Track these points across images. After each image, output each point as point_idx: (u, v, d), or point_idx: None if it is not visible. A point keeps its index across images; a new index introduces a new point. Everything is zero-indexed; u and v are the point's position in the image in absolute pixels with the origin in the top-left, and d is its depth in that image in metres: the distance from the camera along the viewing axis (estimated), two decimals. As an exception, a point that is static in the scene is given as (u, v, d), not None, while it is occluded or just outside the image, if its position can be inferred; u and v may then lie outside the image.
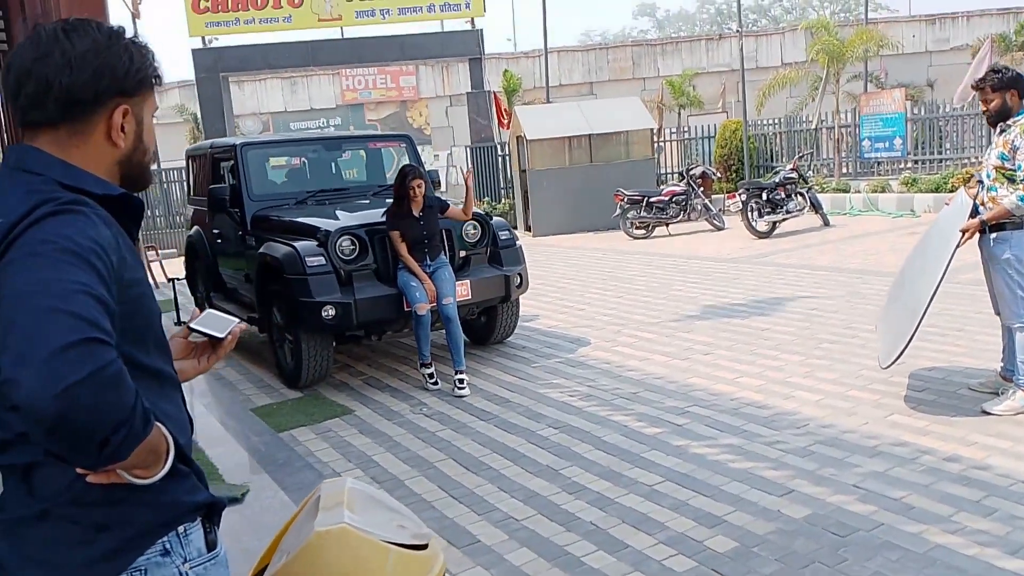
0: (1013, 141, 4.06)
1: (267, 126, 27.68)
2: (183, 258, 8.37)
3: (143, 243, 14.08)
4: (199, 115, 18.57)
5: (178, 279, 8.82)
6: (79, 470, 1.17)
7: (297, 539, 1.91)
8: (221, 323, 1.57)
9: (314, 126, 26.87)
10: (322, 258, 5.45)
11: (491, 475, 4.02)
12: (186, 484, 1.31)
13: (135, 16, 18.65)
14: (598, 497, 3.67)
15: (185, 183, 8.80)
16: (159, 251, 13.23)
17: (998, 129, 4.21)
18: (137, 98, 1.31)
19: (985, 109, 4.22)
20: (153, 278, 12.16)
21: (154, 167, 17.90)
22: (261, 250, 5.90)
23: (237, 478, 3.67)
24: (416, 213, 5.45)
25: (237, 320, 1.61)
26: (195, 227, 7.85)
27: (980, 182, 4.32)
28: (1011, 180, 4.07)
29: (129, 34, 1.31)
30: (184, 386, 1.49)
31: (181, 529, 1.30)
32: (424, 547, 1.94)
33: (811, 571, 2.93)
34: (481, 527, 3.48)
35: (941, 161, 14.28)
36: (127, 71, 1.27)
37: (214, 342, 1.54)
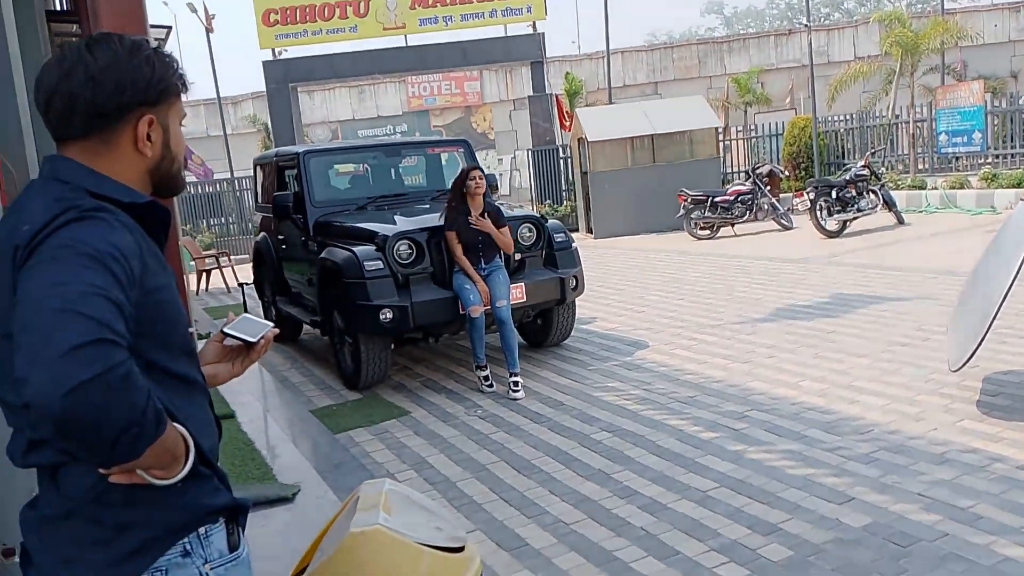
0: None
1: (336, 134, 28.34)
2: (251, 264, 8.63)
3: (217, 249, 14.60)
4: (270, 124, 19.15)
5: (247, 284, 9.10)
6: (101, 470, 1.21)
7: (335, 540, 1.95)
8: (254, 327, 1.60)
9: (381, 133, 27.38)
10: (380, 262, 5.54)
11: (542, 478, 4.01)
12: (207, 487, 1.34)
13: (209, 30, 19.38)
14: (649, 502, 3.62)
15: (253, 191, 9.07)
16: (231, 257, 13.67)
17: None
18: (162, 107, 1.35)
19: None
20: (225, 283, 12.59)
21: (226, 175, 18.49)
22: (322, 255, 6.04)
23: (290, 478, 3.76)
24: (475, 215, 5.49)
25: (270, 324, 1.64)
26: (262, 233, 8.09)
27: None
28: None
29: (152, 45, 1.36)
30: (250, 388, 1.52)
31: (202, 531, 1.32)
32: (460, 549, 1.95)
33: (869, 582, 2.82)
34: (530, 530, 3.48)
35: (1025, 155, 13.59)
36: (148, 81, 1.31)
37: (247, 346, 1.57)
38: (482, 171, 5.70)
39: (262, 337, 1.57)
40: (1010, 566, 2.81)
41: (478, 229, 5.47)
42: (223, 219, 18.42)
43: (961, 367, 4.15)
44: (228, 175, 18.52)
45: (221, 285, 12.70)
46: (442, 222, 5.64)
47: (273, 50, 17.65)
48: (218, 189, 18.45)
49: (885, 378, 4.98)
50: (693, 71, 27.79)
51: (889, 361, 5.30)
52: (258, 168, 8.47)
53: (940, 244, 9.94)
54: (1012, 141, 13.87)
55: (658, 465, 4.02)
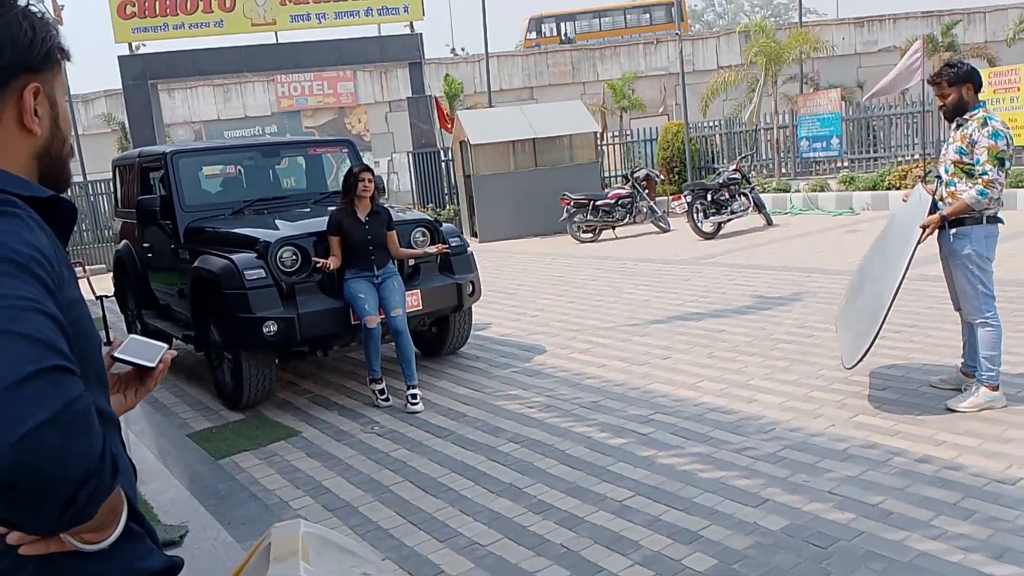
0: (971, 135, 4.02)
1: (199, 135, 26.86)
2: (111, 274, 7.89)
3: (71, 259, 13.37)
4: (127, 124, 17.83)
5: (107, 296, 8.32)
6: (9, 539, 0.92)
7: (248, 599, 1.66)
8: (149, 350, 1.34)
9: (249, 134, 26.16)
10: (262, 271, 5.13)
11: (451, 497, 3.78)
12: (140, 547, 1.08)
13: (57, 22, 17.81)
14: (567, 516, 3.47)
15: (113, 195, 8.30)
16: (86, 267, 12.56)
17: (955, 124, 4.17)
18: (47, 75, 1.10)
19: (942, 104, 4.18)
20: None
21: (80, 179, 17.03)
22: (195, 264, 5.55)
23: (174, 516, 3.34)
24: (363, 217, 5.19)
25: (166, 346, 1.37)
26: (124, 241, 7.40)
27: (938, 177, 4.28)
28: (970, 175, 4.04)
29: (21, 1, 1.08)
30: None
31: None
32: (392, 597, 1.72)
33: (795, 587, 2.79)
34: (444, 555, 3.25)
35: (876, 159, 14.62)
36: (31, 42, 1.05)
37: (142, 372, 1.31)
38: (371, 171, 5.41)
39: (160, 360, 1.31)
40: (926, 560, 2.85)
41: (368, 229, 5.17)
42: (76, 226, 16.94)
43: (855, 364, 4.26)
44: (80, 178, 17.07)
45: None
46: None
47: (130, 44, 16.43)
48: (70, 193, 16.94)
49: (778, 376, 5.09)
50: (567, 76, 28.29)
51: (779, 359, 5.44)
52: (118, 170, 7.76)
53: (807, 243, 10.46)
54: (864, 146, 14.89)
55: (570, 476, 3.89)
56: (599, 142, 16.11)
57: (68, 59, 1.15)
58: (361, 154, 7.44)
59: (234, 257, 5.21)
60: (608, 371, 5.55)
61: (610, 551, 3.15)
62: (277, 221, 5.76)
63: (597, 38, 31.48)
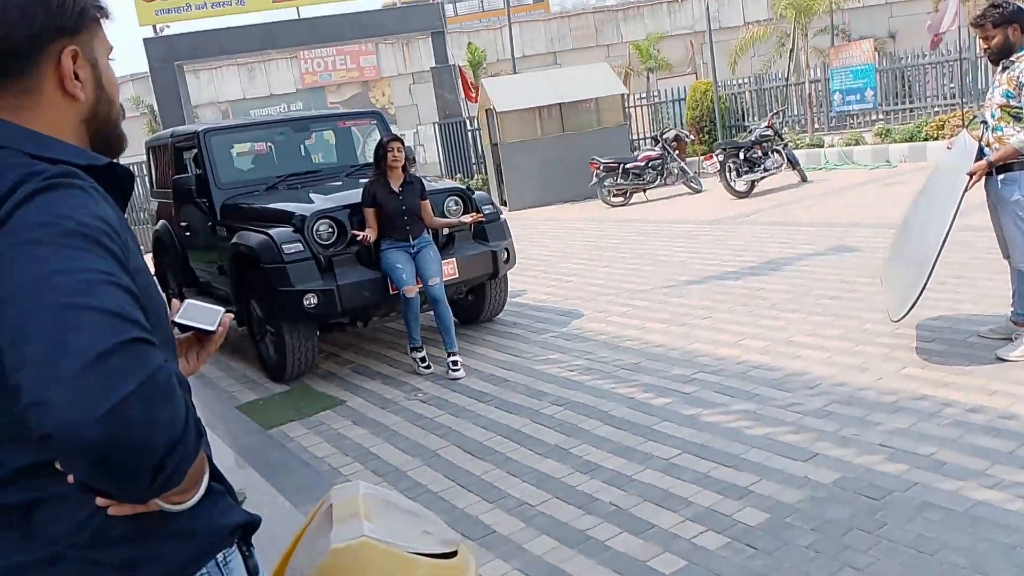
0: (1019, 77, 3.89)
1: (226, 114, 27.00)
2: (151, 255, 8.01)
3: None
4: (156, 106, 17.98)
5: (147, 276, 8.44)
6: (99, 501, 0.96)
7: (310, 557, 1.68)
8: (207, 314, 1.35)
9: (275, 112, 26.23)
10: (299, 244, 5.17)
11: (498, 459, 3.82)
12: (221, 504, 1.11)
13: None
14: (614, 475, 3.49)
15: (147, 176, 8.39)
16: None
17: (1000, 67, 4.03)
18: (84, 35, 1.07)
19: (987, 47, 4.04)
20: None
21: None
22: (234, 240, 5.61)
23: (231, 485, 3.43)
24: (396, 187, 5.20)
25: (222, 309, 1.39)
26: (161, 221, 7.51)
27: (984, 123, 4.15)
28: (1017, 119, 3.91)
29: None
30: None
31: (220, 557, 1.09)
32: (453, 554, 1.74)
33: (851, 538, 2.78)
34: (495, 516, 3.29)
35: (911, 110, 14.24)
36: (61, 3, 1.03)
37: (202, 336, 1.32)
38: (401, 141, 5.40)
39: (219, 323, 1.33)
40: (984, 510, 2.82)
41: (403, 199, 5.18)
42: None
43: (903, 316, 4.19)
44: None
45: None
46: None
47: (154, 26, 16.50)
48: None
49: (821, 331, 5.03)
50: (591, 40, 27.86)
51: (822, 315, 5.36)
52: (151, 151, 7.84)
53: (844, 199, 10.26)
54: (898, 98, 14.50)
55: (615, 436, 3.90)
56: (626, 104, 15.89)
57: (106, 16, 1.11)
58: (388, 125, 7.42)
59: (272, 232, 5.25)
60: (647, 333, 5.53)
61: (660, 508, 3.16)
62: (311, 195, 5.79)
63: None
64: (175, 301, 1.41)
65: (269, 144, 7.33)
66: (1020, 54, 3.95)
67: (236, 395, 5.43)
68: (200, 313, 1.35)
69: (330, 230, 5.28)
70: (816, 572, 2.62)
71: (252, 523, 1.20)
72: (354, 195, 5.60)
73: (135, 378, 0.83)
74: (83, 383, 0.81)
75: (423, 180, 5.57)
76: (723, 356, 4.82)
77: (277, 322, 5.31)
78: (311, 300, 5.06)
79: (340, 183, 6.27)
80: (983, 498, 2.90)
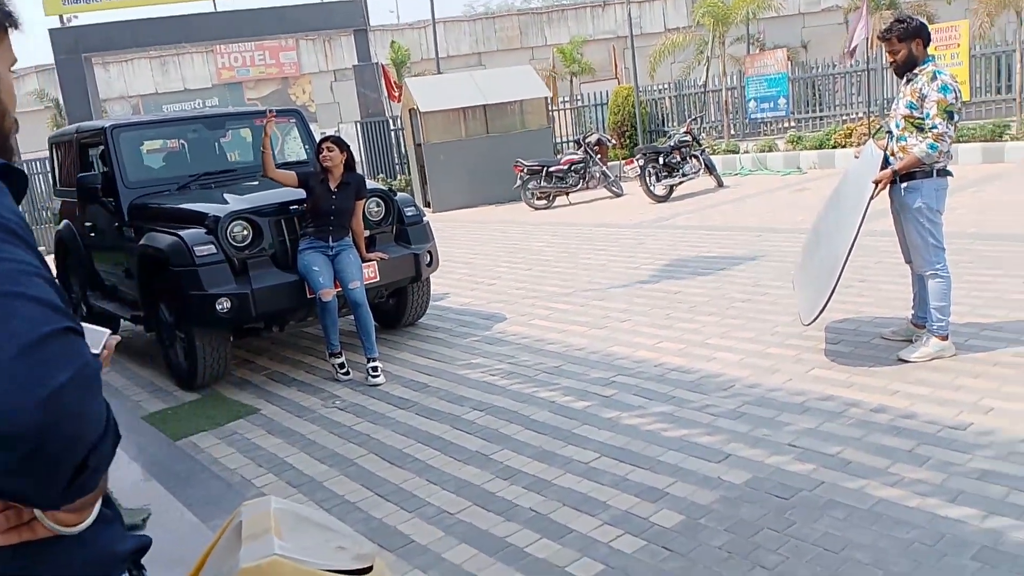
0: (921, 89, 4.08)
1: (137, 109, 25.97)
2: (53, 256, 7.61)
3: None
4: (61, 100, 17.12)
5: (48, 279, 8.02)
6: None
7: (218, 576, 1.61)
8: (91, 336, 1.27)
9: (189, 108, 25.36)
10: (212, 246, 4.99)
11: (418, 467, 3.77)
12: (113, 530, 1.05)
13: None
14: (534, 480, 3.49)
15: (50, 174, 7.97)
16: (25, 249, 12.11)
17: (905, 79, 4.22)
18: None
19: (892, 60, 4.23)
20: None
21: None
22: (142, 241, 5.37)
23: (135, 500, 3.26)
24: (333, 186, 5.09)
25: (107, 331, 1.31)
26: (64, 221, 7.13)
27: (889, 132, 4.34)
28: (920, 129, 4.10)
29: None
30: None
31: None
32: (369, 570, 1.69)
33: (761, 538, 2.85)
34: (413, 525, 3.24)
35: (821, 118, 14.82)
36: None
37: None
38: (339, 141, 5.26)
39: (104, 347, 1.25)
40: (885, 507, 2.94)
41: (336, 199, 5.08)
42: (10, 207, 16.27)
43: (813, 320, 4.34)
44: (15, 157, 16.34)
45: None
46: (278, 200, 5.20)
47: (61, 16, 15.71)
48: (2, 173, 16.22)
49: (735, 333, 5.16)
50: (515, 42, 27.99)
51: (735, 317, 5.51)
52: (55, 148, 7.44)
53: (757, 204, 10.60)
54: (810, 106, 15.08)
55: (536, 440, 3.90)
56: (550, 107, 16.03)
57: (15, 26, 1.07)
58: (308, 124, 7.26)
59: (183, 233, 5.06)
60: (569, 336, 5.57)
61: (579, 512, 3.18)
62: (226, 195, 5.60)
63: None
64: None
65: (181, 141, 7.06)
66: (923, 67, 4.15)
67: (143, 404, 5.20)
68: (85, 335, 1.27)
69: (245, 232, 5.12)
70: (728, 572, 2.67)
71: (143, 548, 1.15)
72: (270, 195, 5.46)
73: (71, 367, 0.82)
74: (20, 369, 0.80)
75: (364, 179, 5.46)
76: (642, 359, 4.90)
77: (187, 327, 5.11)
78: (224, 304, 4.89)
79: (256, 183, 6.08)
80: (885, 495, 3.02)
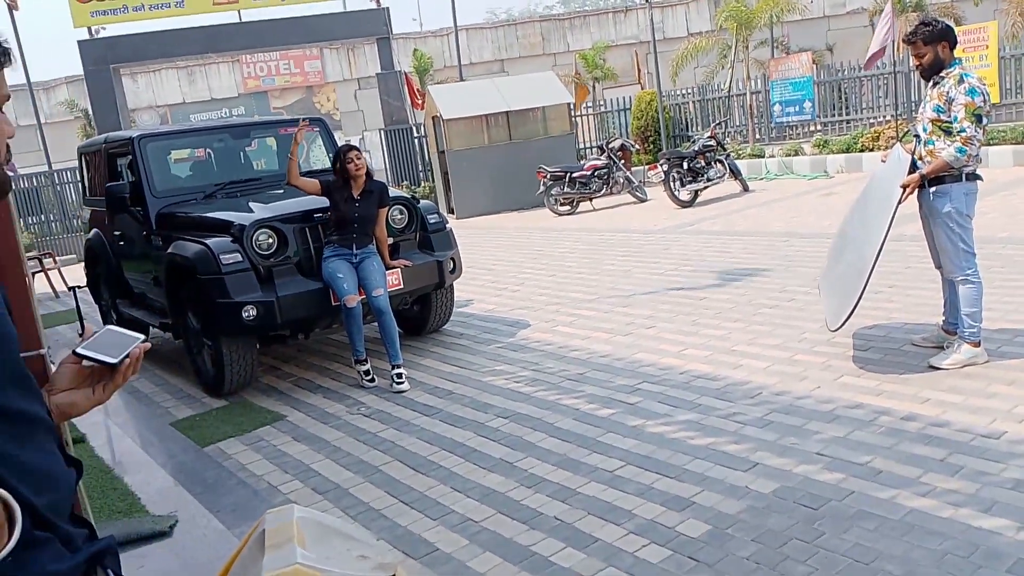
0: (948, 93, 4.02)
1: (164, 119, 26.36)
2: (83, 264, 7.73)
3: (39, 251, 13.08)
4: (91, 111, 17.42)
5: (79, 287, 8.16)
6: None
7: (241, 587, 1.62)
8: (116, 344, 1.28)
9: (216, 117, 25.70)
10: (238, 254, 5.04)
11: (442, 475, 3.76)
12: (46, 551, 1.02)
13: (12, 7, 17.32)
14: (559, 488, 3.47)
15: (80, 183, 8.10)
16: (56, 258, 12.32)
17: (931, 82, 4.16)
18: None
19: (918, 64, 4.16)
20: (52, 287, 11.32)
21: (43, 167, 16.70)
22: (169, 250, 5.44)
23: (162, 507, 3.29)
24: (355, 194, 5.12)
25: (140, 337, 1.32)
26: (94, 230, 7.25)
27: (916, 136, 4.27)
28: (947, 132, 4.04)
29: None
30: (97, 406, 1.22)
31: None
32: (391, 577, 1.69)
33: (790, 548, 2.80)
34: (438, 533, 3.23)
35: (848, 122, 14.66)
36: None
37: (110, 367, 1.25)
38: (358, 150, 5.31)
39: (126, 356, 1.26)
40: (917, 517, 2.88)
41: (359, 206, 5.11)
42: (43, 216, 16.60)
43: (840, 327, 4.28)
44: (46, 167, 16.68)
45: (47, 290, 11.39)
46: (302, 208, 5.24)
47: (89, 28, 16.01)
48: (35, 183, 16.56)
49: (761, 340, 5.11)
50: (538, 48, 28.04)
51: (762, 324, 5.45)
52: (84, 157, 7.57)
53: (783, 208, 10.50)
54: (836, 109, 14.92)
55: (560, 448, 3.89)
56: (573, 113, 16.03)
57: (8, 63, 1.06)
58: (334, 132, 7.32)
59: (209, 242, 5.12)
60: (593, 343, 5.55)
61: (604, 521, 3.15)
62: (251, 204, 5.66)
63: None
64: (89, 327, 1.35)
65: (208, 151, 7.15)
66: (950, 70, 4.08)
67: (171, 411, 5.25)
68: (109, 343, 1.28)
69: (270, 240, 5.17)
70: (757, 584, 2.64)
71: (104, 551, 1.13)
72: (295, 204, 5.51)
73: None
74: None
75: (387, 187, 5.49)
76: (667, 366, 4.86)
77: (214, 335, 5.16)
78: (250, 312, 4.93)
79: (281, 191, 6.13)
80: (916, 506, 2.96)
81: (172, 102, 26.90)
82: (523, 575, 2.87)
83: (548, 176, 12.68)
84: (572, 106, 15.38)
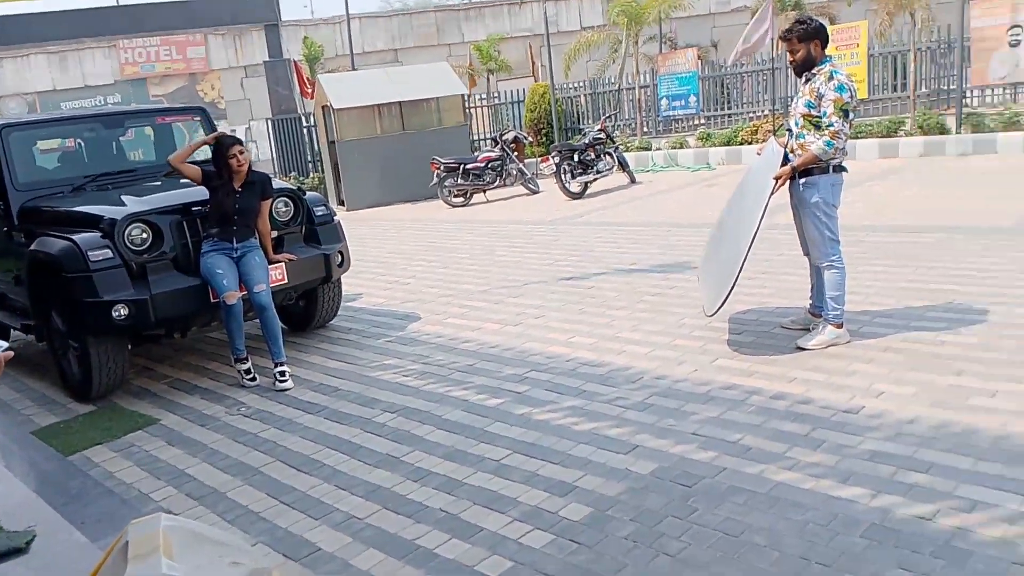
0: (818, 89, 4.23)
1: (33, 107, 24.61)
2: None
3: None
4: (-55, 97, 16.09)
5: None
6: None
7: (102, 602, 1.53)
8: None
9: (90, 105, 24.20)
10: (108, 251, 4.76)
11: (326, 473, 3.69)
12: None
13: None
14: (445, 481, 3.46)
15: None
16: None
17: (804, 78, 4.37)
18: None
19: (792, 59, 4.37)
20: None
21: None
22: (32, 247, 5.09)
23: (19, 522, 3.05)
24: (237, 185, 4.92)
25: (2, 346, 1.22)
26: (-53, 226, 6.69)
27: (789, 130, 4.49)
28: (817, 127, 4.25)
29: None
30: None
31: None
32: (266, 583, 1.63)
33: (665, 526, 2.90)
34: (321, 532, 3.16)
35: (729, 116, 15.26)
36: None
37: None
38: (242, 144, 5.08)
39: None
40: (782, 490, 3.04)
41: (240, 199, 4.91)
42: None
43: (716, 312, 4.46)
44: None
45: None
46: (180, 200, 5.00)
47: (-60, 7, 14.73)
48: None
49: (644, 327, 5.26)
50: (432, 38, 27.80)
51: (645, 311, 5.61)
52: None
53: (668, 199, 10.85)
54: (719, 104, 15.50)
55: (448, 440, 3.88)
56: (467, 104, 16.00)
57: None
58: (216, 122, 7.02)
59: (76, 237, 4.81)
60: (483, 334, 5.56)
61: (489, 510, 3.17)
62: (124, 196, 5.35)
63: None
64: None
65: (78, 141, 6.72)
66: (821, 67, 4.30)
67: (33, 419, 4.91)
68: None
69: (144, 235, 4.91)
70: (634, 562, 2.71)
71: None
72: (173, 196, 5.26)
73: None
74: None
75: (270, 178, 5.29)
76: (554, 354, 4.93)
77: (82, 336, 4.87)
78: (121, 311, 4.68)
79: (158, 183, 5.84)
80: (782, 479, 3.12)
81: (42, 89, 25.13)
82: (407, 569, 2.85)
83: (442, 167, 12.62)
84: (466, 97, 15.35)
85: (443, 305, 6.51)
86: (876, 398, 3.74)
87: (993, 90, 12.45)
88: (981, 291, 5.07)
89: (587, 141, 12.35)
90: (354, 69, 17.32)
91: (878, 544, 2.64)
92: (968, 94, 12.38)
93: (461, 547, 2.94)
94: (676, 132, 15.66)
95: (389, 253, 9.32)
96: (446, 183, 12.68)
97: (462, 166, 12.69)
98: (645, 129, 16.01)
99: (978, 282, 5.27)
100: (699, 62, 15.46)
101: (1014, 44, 11.13)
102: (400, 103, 14.07)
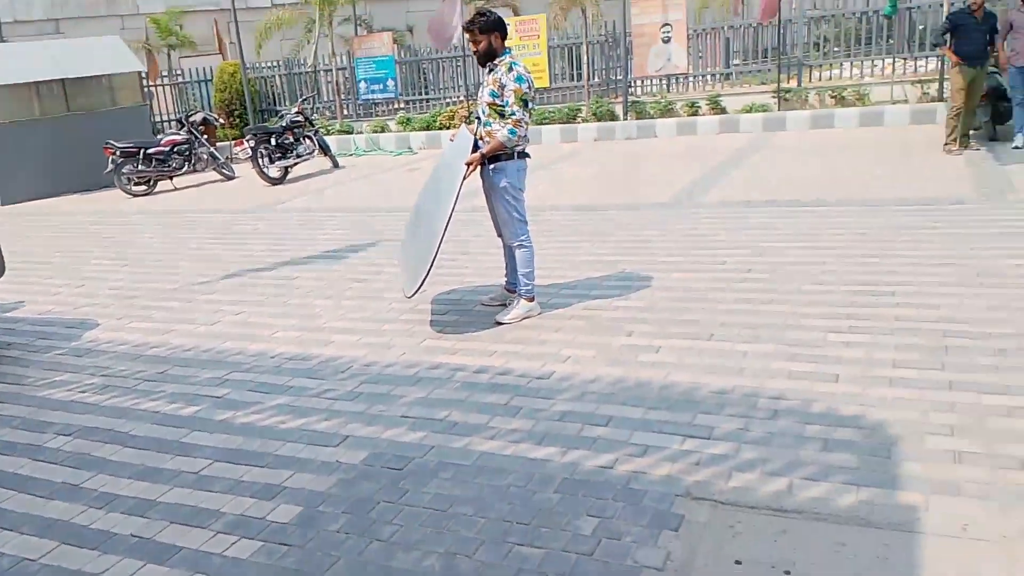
0: (500, 79, 4.47)
1: None
2: None
3: None
4: None
5: None
6: None
7: None
8: None
9: None
10: None
11: (-15, 514, 3.16)
12: None
13: None
14: (136, 503, 3.14)
15: None
16: None
17: (488, 68, 4.58)
18: None
19: (475, 50, 4.56)
20: None
21: None
22: None
23: None
24: None
25: None
26: None
27: (478, 118, 4.69)
28: (502, 115, 4.49)
29: None
30: None
31: None
32: None
33: (377, 512, 2.92)
34: (-22, 586, 2.71)
35: (428, 101, 15.64)
36: None
37: None
38: None
39: None
40: (486, 459, 3.21)
41: None
42: None
43: (415, 293, 4.56)
44: None
45: None
46: None
47: None
48: None
49: (351, 315, 5.22)
50: (101, 8, 24.72)
51: (351, 299, 5.58)
52: None
53: (371, 184, 10.87)
54: (417, 89, 15.80)
55: (137, 458, 3.52)
56: (146, 83, 14.52)
57: None
58: None
59: None
60: (174, 337, 5.13)
61: (188, 527, 2.94)
62: None
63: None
64: None
65: None
66: (502, 58, 4.54)
67: None
68: None
69: None
70: (346, 554, 2.69)
71: None
72: None
73: None
74: None
75: None
76: (256, 352, 4.70)
77: None
78: None
79: None
80: (486, 449, 3.29)
81: None
82: (92, 608, 2.55)
83: (118, 152, 11.34)
84: (144, 75, 13.92)
85: (125, 308, 5.88)
86: (564, 363, 4.10)
87: (652, 81, 14.18)
88: (643, 260, 5.78)
89: (285, 124, 11.88)
90: (2, 41, 14.83)
91: (570, 496, 2.90)
92: (632, 84, 13.97)
93: (157, 572, 2.70)
94: (377, 116, 15.68)
95: (56, 252, 8.19)
96: (124, 170, 11.42)
97: (142, 150, 11.52)
98: (346, 112, 15.82)
99: (641, 252, 5.99)
100: (395, 46, 15.58)
101: (666, 40, 12.74)
102: (64, 80, 12.38)
